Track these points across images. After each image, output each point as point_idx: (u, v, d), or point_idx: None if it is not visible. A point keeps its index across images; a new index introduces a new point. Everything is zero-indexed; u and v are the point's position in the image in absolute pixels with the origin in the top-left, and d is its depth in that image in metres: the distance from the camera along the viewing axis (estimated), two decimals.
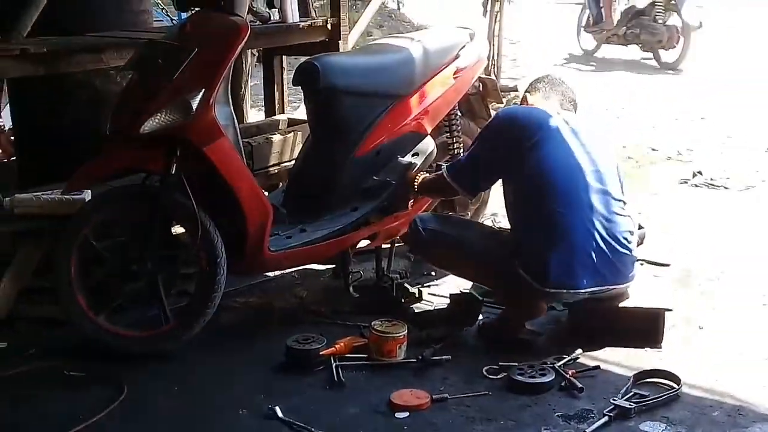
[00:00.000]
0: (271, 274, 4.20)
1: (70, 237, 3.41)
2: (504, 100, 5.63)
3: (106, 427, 2.96)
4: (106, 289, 3.49)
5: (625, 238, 3.48)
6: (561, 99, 3.72)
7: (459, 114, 4.40)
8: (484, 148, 3.64)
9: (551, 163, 3.44)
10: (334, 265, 4.23)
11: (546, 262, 3.37)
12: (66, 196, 3.61)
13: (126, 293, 3.48)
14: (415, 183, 3.93)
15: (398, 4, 13.27)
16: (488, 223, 4.77)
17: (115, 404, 3.07)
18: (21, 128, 4.67)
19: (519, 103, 3.86)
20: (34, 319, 3.69)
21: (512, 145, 3.50)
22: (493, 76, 5.54)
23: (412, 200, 4.02)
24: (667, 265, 4.27)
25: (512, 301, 3.58)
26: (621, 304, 3.55)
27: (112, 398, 3.11)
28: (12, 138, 5.10)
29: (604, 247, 3.41)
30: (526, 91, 3.81)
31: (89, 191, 3.66)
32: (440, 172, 3.74)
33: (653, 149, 6.62)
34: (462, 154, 3.97)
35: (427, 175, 3.98)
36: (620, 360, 3.40)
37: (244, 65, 5.48)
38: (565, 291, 3.43)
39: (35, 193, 3.73)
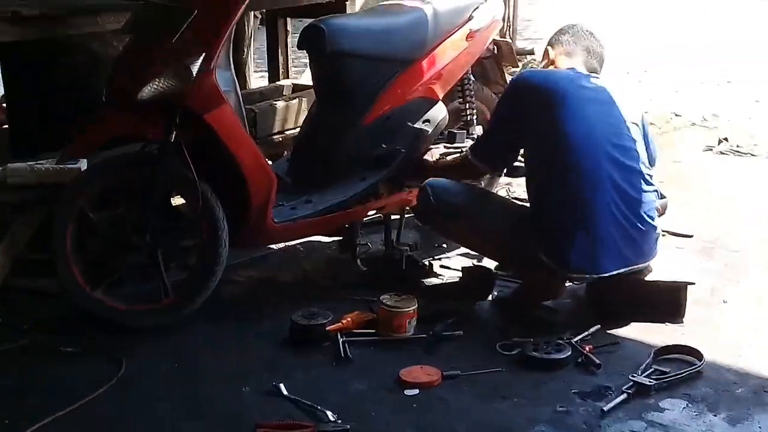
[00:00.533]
0: (275, 246, 4.21)
1: (66, 208, 3.41)
2: (520, 63, 5.61)
3: (104, 404, 2.97)
4: (103, 261, 3.50)
5: (650, 216, 3.46)
6: (586, 56, 3.62)
7: (472, 79, 4.37)
8: (501, 120, 3.61)
9: (570, 138, 3.38)
10: (340, 237, 4.23)
11: (568, 247, 3.35)
12: (61, 165, 3.61)
13: (124, 266, 3.49)
14: (432, 162, 3.91)
15: None
16: (503, 193, 4.76)
17: (112, 381, 3.09)
18: (13, 95, 4.65)
19: (543, 57, 3.76)
20: (28, 292, 3.71)
21: (528, 115, 3.46)
22: (508, 39, 5.53)
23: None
24: (690, 236, 4.26)
25: (530, 281, 3.57)
26: (641, 278, 3.53)
27: (109, 374, 3.12)
28: (3, 105, 5.10)
29: (628, 228, 3.39)
30: (548, 44, 3.73)
31: (85, 160, 3.65)
32: (464, 154, 3.74)
33: (676, 114, 6.58)
34: (481, 132, 3.94)
35: (447, 158, 3.95)
36: (640, 335, 3.39)
37: (246, 28, 5.47)
38: (587, 276, 3.42)
39: (29, 163, 3.73)
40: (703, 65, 8.35)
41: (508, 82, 4.70)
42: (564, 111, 3.40)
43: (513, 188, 4.68)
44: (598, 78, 3.58)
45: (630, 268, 3.44)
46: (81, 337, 3.36)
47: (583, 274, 3.42)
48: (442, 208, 3.61)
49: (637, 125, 3.52)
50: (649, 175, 3.50)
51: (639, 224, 3.42)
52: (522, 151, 3.62)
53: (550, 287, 3.53)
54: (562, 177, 3.39)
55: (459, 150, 3.97)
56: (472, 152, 3.66)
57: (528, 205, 3.66)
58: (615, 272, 3.40)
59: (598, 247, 3.36)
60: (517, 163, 3.76)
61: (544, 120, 3.42)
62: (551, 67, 3.66)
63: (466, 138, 4.20)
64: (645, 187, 3.45)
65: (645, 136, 3.57)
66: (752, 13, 10.69)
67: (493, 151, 3.63)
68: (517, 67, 5.26)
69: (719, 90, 7.44)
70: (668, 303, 3.51)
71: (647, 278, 3.54)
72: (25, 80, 4.43)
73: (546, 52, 3.72)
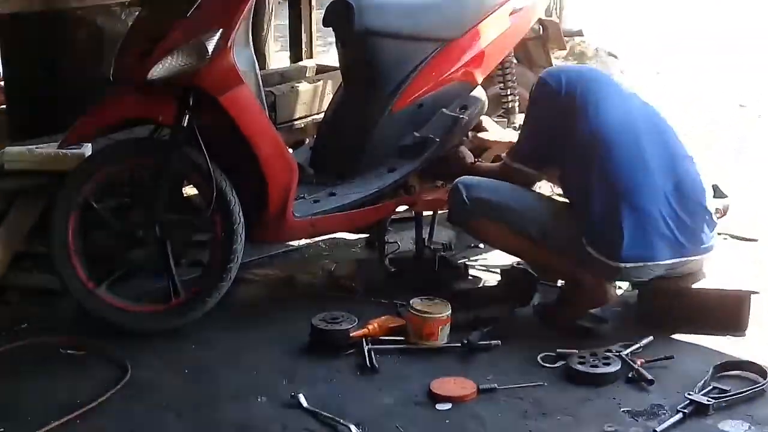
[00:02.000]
0: (295, 243, 4.23)
1: (68, 196, 3.44)
2: (568, 46, 5.59)
3: (107, 412, 2.99)
4: (108, 256, 3.53)
5: (702, 198, 3.48)
6: None
7: (515, 61, 4.38)
8: (534, 122, 3.64)
9: (611, 124, 3.44)
10: (367, 235, 4.24)
11: (618, 231, 3.35)
12: (63, 150, 3.64)
13: (130, 262, 3.52)
14: (469, 164, 3.94)
15: None
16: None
17: (117, 387, 3.10)
18: (13, 73, 4.70)
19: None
20: (27, 288, 3.74)
21: (565, 111, 3.49)
22: (555, 18, 5.50)
23: None
24: (755, 240, 4.24)
25: (576, 285, 3.55)
26: (698, 285, 3.52)
27: (114, 380, 3.14)
28: (2, 84, 5.14)
29: (680, 212, 3.41)
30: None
31: (89, 145, 3.68)
32: (502, 162, 3.76)
33: (741, 105, 6.54)
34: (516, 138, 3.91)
35: (485, 164, 3.97)
36: (697, 349, 3.39)
37: (267, 2, 5.47)
38: (642, 264, 3.41)
39: (29, 147, 3.76)
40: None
41: (553, 65, 4.72)
42: (601, 99, 3.48)
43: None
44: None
45: (689, 258, 3.44)
46: (83, 339, 3.39)
47: (638, 263, 3.40)
48: (478, 207, 3.59)
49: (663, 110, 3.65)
50: (690, 157, 3.54)
51: (692, 206, 3.44)
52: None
53: (598, 292, 3.52)
54: (602, 160, 3.42)
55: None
56: (511, 158, 3.69)
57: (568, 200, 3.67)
58: (672, 261, 3.41)
59: (652, 230, 3.37)
60: None
61: (581, 109, 3.47)
62: None
63: (507, 126, 4.20)
64: (690, 167, 3.50)
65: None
66: None
67: (533, 153, 3.64)
68: (565, 49, 5.26)
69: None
70: (729, 314, 3.49)
71: (704, 286, 3.52)
72: (25, 58, 4.47)
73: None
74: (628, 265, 3.41)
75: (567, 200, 3.64)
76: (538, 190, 4.06)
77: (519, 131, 3.84)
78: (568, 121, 3.48)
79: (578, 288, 3.54)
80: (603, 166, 3.42)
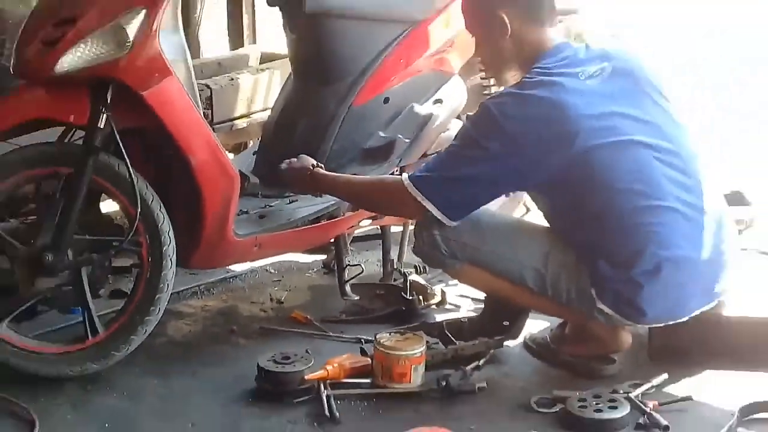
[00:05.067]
0: (237, 267, 4.23)
1: None
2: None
3: None
4: (10, 287, 3.50)
5: (723, 222, 3.47)
6: (550, 12, 3.52)
7: None
8: (477, 164, 3.36)
9: (598, 152, 3.29)
10: (324, 256, 4.25)
11: (637, 294, 3.32)
12: None
13: (37, 293, 3.49)
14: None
15: None
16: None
17: None
18: None
19: (483, 35, 3.53)
20: None
21: (536, 151, 3.32)
22: None
23: None
24: None
25: (585, 331, 3.57)
26: (721, 311, 3.55)
27: None
28: None
29: (705, 249, 3.37)
30: (493, 7, 3.42)
31: None
32: (396, 179, 3.53)
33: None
34: (430, 162, 3.62)
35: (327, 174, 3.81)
36: (720, 388, 3.40)
37: None
38: (666, 323, 3.43)
39: None
40: None
41: None
42: (581, 138, 3.28)
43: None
44: (599, 53, 3.46)
45: (717, 300, 3.46)
46: None
47: (662, 323, 3.43)
48: (454, 249, 3.56)
49: (675, 111, 3.49)
50: (706, 178, 3.46)
51: (718, 234, 3.43)
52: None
53: (610, 339, 3.54)
54: (604, 200, 3.33)
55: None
56: (417, 184, 3.39)
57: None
58: (700, 310, 3.41)
59: (676, 280, 3.34)
60: None
61: (562, 149, 3.31)
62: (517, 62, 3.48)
63: None
64: (709, 191, 3.43)
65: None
66: None
67: (461, 194, 3.42)
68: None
69: None
70: (758, 345, 3.52)
71: (725, 312, 3.55)
72: None
73: (493, 21, 3.44)
74: (652, 324, 3.45)
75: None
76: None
77: (443, 161, 3.50)
78: (554, 147, 3.31)
79: (586, 330, 3.56)
80: (611, 214, 3.33)
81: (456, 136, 3.57)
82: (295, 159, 3.73)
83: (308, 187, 3.74)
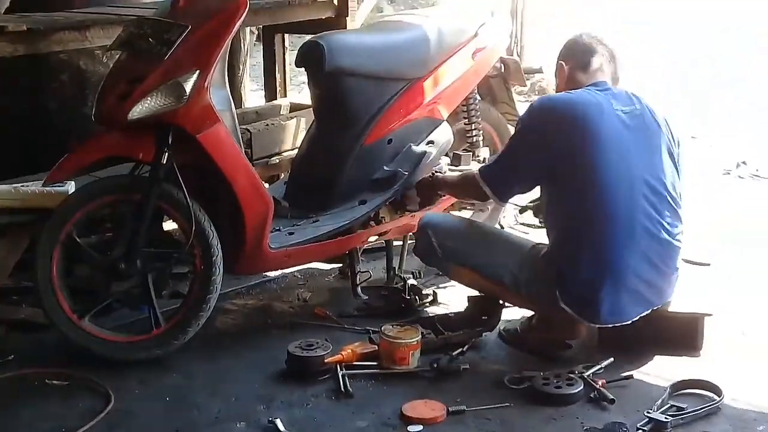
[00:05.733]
0: (271, 273, 4.22)
1: (52, 232, 3.41)
2: (528, 82, 5.62)
3: None
4: (92, 289, 3.50)
5: (676, 261, 3.45)
6: (605, 64, 3.49)
7: (478, 98, 4.39)
8: (519, 146, 3.47)
9: (602, 175, 3.27)
10: (340, 264, 4.24)
11: (595, 301, 3.31)
12: (47, 188, 3.61)
13: (113, 294, 3.49)
14: (434, 178, 3.89)
15: None
16: (510, 218, 4.76)
17: (100, 416, 3.08)
18: None
19: (557, 75, 3.60)
20: (13, 322, 3.71)
21: (551, 150, 3.33)
22: (516, 57, 5.54)
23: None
24: (707, 265, 4.25)
25: (549, 322, 3.54)
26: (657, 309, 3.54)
27: (97, 409, 3.12)
28: None
29: (656, 278, 3.38)
30: (559, 59, 3.57)
31: (73, 182, 3.66)
32: (472, 172, 3.65)
33: (692, 137, 6.59)
34: (495, 154, 3.83)
35: (453, 174, 3.92)
36: (655, 369, 3.40)
37: (242, 44, 5.48)
38: (612, 326, 3.41)
39: (14, 185, 3.74)
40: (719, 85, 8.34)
41: (515, 101, 4.75)
42: (600, 150, 3.28)
43: (519, 218, 4.69)
44: (626, 98, 3.42)
45: (653, 309, 3.44)
46: (67, 370, 3.36)
47: (609, 324, 3.40)
48: (447, 253, 3.60)
49: (673, 153, 3.45)
50: (680, 219, 3.43)
51: (665, 269, 3.41)
52: (539, 187, 3.52)
53: (568, 330, 3.51)
54: (592, 223, 3.30)
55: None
56: (482, 174, 3.52)
57: (546, 244, 3.54)
58: (639, 316, 3.39)
59: (626, 299, 3.34)
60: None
61: (574, 160, 3.30)
62: (570, 88, 3.50)
63: (472, 160, 4.21)
64: (676, 231, 3.40)
65: (675, 168, 3.47)
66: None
67: (506, 180, 3.49)
68: (525, 86, 5.28)
69: (737, 110, 7.41)
70: (685, 335, 3.51)
71: (661, 309, 3.54)
72: (11, 98, 4.45)
73: (560, 69, 3.56)
74: (600, 326, 3.43)
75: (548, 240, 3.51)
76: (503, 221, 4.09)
77: (499, 154, 3.70)
78: (566, 153, 3.30)
79: (550, 323, 3.53)
80: (589, 230, 3.31)
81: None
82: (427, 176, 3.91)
83: (430, 186, 3.89)
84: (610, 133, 3.30)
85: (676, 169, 3.47)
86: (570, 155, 3.32)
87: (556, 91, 3.64)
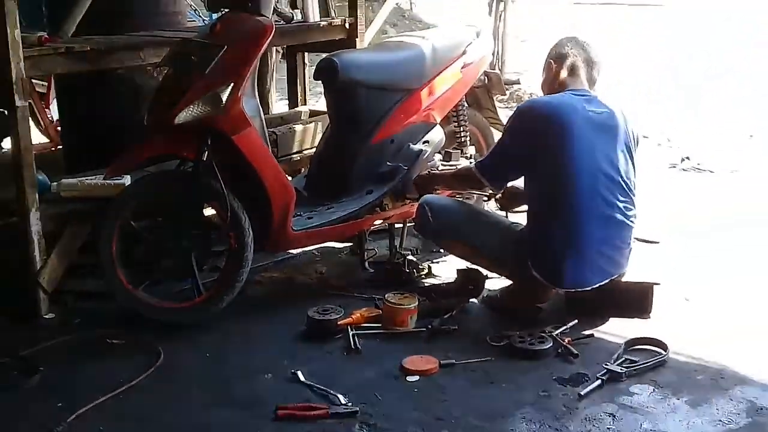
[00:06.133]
0: (294, 251, 4.22)
1: (112, 217, 3.43)
2: (507, 92, 5.61)
3: (145, 388, 3.00)
4: (145, 264, 3.51)
5: (630, 240, 3.45)
6: (588, 69, 3.48)
7: (466, 105, 4.38)
8: (509, 142, 3.49)
9: (574, 174, 3.30)
10: (351, 243, 4.24)
11: (560, 269, 3.33)
12: (107, 181, 3.63)
13: (162, 269, 3.50)
14: (431, 174, 3.87)
15: (410, 5, 13.21)
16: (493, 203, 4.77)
17: (152, 369, 3.11)
18: (67, 119, 4.69)
19: (545, 70, 3.57)
20: (79, 292, 3.72)
21: (535, 146, 3.35)
22: (497, 70, 5.53)
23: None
24: (657, 243, 4.26)
25: (522, 289, 3.55)
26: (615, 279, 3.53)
27: (150, 363, 3.15)
28: (59, 129, 5.12)
29: (613, 252, 3.39)
30: (549, 58, 3.54)
31: (129, 176, 3.68)
32: (468, 167, 3.64)
33: (644, 136, 6.56)
34: (488, 150, 3.80)
35: (449, 168, 3.90)
36: (613, 329, 3.40)
37: (269, 61, 5.47)
38: (574, 290, 3.42)
39: (80, 178, 3.76)
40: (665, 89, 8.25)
41: (497, 108, 4.74)
42: (571, 145, 3.29)
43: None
44: (600, 103, 3.41)
45: (610, 279, 3.44)
46: (124, 331, 3.38)
47: (572, 289, 3.42)
48: (441, 227, 3.61)
49: (631, 149, 3.45)
50: (634, 205, 3.44)
51: (622, 246, 3.42)
52: (524, 176, 3.52)
53: (539, 293, 3.52)
54: (560, 209, 3.33)
55: (454, 167, 3.98)
56: (478, 168, 3.55)
57: (521, 224, 3.57)
58: (598, 285, 3.40)
59: (587, 269, 3.35)
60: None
61: (551, 152, 3.32)
62: (555, 84, 3.50)
63: (461, 156, 4.21)
64: (630, 215, 3.41)
65: (632, 162, 3.46)
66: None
67: (498, 170, 3.52)
68: (505, 95, 5.26)
69: (682, 112, 7.36)
70: (637, 301, 3.50)
71: (618, 279, 3.54)
72: (77, 107, 4.47)
73: (549, 66, 3.53)
74: (564, 290, 3.44)
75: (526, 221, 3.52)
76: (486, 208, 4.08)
77: (492, 149, 3.70)
78: (547, 149, 3.32)
79: (523, 288, 3.54)
80: (559, 211, 3.32)
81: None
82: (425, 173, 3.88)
83: (429, 181, 3.84)
84: (581, 132, 3.32)
85: (632, 162, 3.48)
86: (548, 149, 3.34)
87: (542, 84, 3.63)
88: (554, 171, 3.34)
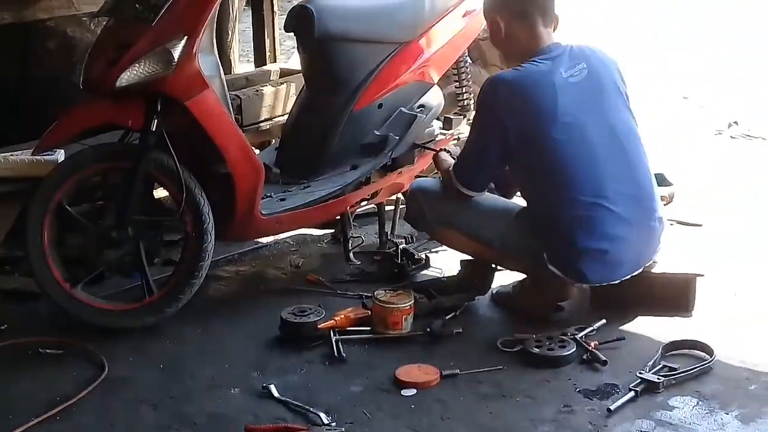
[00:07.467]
0: (263, 240, 4.22)
1: (42, 201, 3.41)
2: None
3: (86, 408, 2.98)
4: (83, 258, 3.50)
5: (655, 210, 3.45)
6: (541, 12, 3.38)
7: (469, 61, 4.37)
8: (478, 134, 3.47)
9: (564, 145, 3.28)
10: (332, 230, 4.24)
11: (577, 260, 3.32)
12: (36, 157, 3.61)
13: (105, 262, 3.49)
14: (437, 157, 3.83)
15: None
16: None
17: (95, 384, 3.09)
18: None
19: (489, 31, 3.52)
20: (5, 291, 3.71)
21: (512, 127, 3.32)
22: None
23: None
24: (699, 226, 4.28)
25: (539, 283, 3.54)
26: (648, 269, 3.54)
27: (92, 377, 3.13)
28: None
29: (637, 232, 3.37)
30: (489, 11, 3.47)
31: (62, 151, 3.67)
32: (450, 181, 3.53)
33: (684, 97, 6.58)
34: (461, 148, 3.70)
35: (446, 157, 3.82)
36: (647, 330, 3.40)
37: (231, 9, 5.44)
38: (599, 285, 3.43)
39: (2, 154, 3.74)
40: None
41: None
42: (554, 117, 3.29)
43: None
44: (577, 57, 3.38)
45: (643, 266, 3.44)
46: (61, 338, 3.36)
47: (596, 284, 3.42)
48: (436, 217, 3.59)
49: (625, 96, 3.46)
50: (646, 164, 3.45)
51: (647, 222, 3.41)
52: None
53: (559, 290, 3.51)
54: (558, 185, 3.33)
55: (456, 138, 3.98)
56: (455, 175, 3.49)
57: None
58: (629, 275, 3.39)
59: (611, 258, 3.34)
60: None
61: (532, 130, 3.32)
62: (509, 44, 3.44)
63: (465, 124, 4.21)
64: (644, 179, 3.42)
65: (632, 119, 3.47)
66: None
67: (476, 171, 3.49)
68: None
69: (727, 70, 7.39)
70: (676, 296, 3.52)
71: (653, 270, 3.55)
72: None
73: (494, 24, 3.44)
74: (588, 286, 3.45)
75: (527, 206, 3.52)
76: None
77: (462, 148, 3.63)
78: (526, 127, 3.31)
79: (540, 284, 3.53)
80: (562, 197, 3.32)
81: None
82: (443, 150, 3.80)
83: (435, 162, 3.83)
84: (565, 104, 3.30)
85: (630, 112, 3.48)
86: (527, 133, 3.32)
87: (500, 53, 3.64)
88: (542, 149, 3.32)
